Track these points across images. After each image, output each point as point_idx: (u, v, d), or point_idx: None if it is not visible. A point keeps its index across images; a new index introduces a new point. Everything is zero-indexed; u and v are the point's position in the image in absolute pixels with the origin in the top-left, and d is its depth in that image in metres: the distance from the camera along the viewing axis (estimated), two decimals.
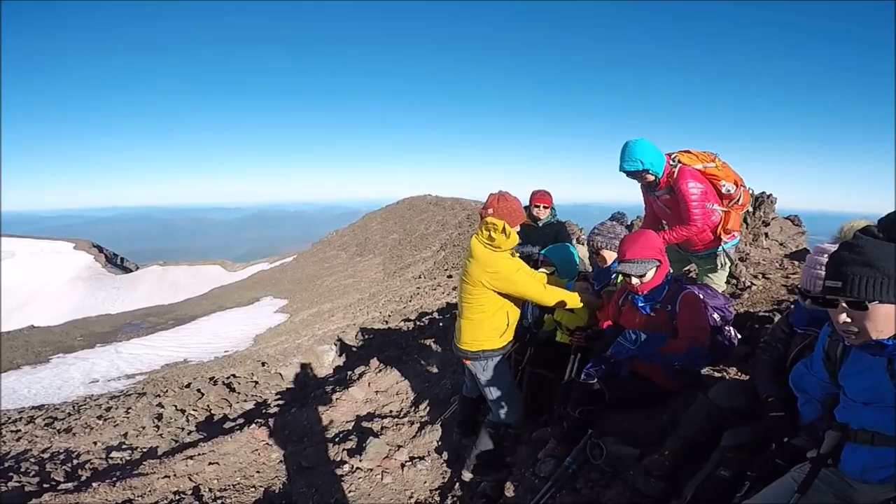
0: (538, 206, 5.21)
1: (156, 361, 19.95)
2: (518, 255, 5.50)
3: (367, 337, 11.93)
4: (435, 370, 6.30)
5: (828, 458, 1.81)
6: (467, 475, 3.82)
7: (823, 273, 2.13)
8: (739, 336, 3.60)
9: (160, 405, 9.37)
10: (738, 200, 3.88)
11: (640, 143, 3.73)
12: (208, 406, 8.98)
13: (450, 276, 18.94)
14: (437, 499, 4.01)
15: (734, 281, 6.23)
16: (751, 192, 4.01)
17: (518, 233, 5.46)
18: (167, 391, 10.55)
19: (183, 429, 7.86)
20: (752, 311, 4.61)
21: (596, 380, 3.10)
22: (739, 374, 3.43)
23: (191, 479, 4.83)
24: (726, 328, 3.36)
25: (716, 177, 3.79)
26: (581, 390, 3.14)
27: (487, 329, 3.41)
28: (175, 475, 4.90)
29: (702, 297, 3.17)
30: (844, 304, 1.57)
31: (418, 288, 19.09)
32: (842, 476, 1.81)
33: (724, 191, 3.82)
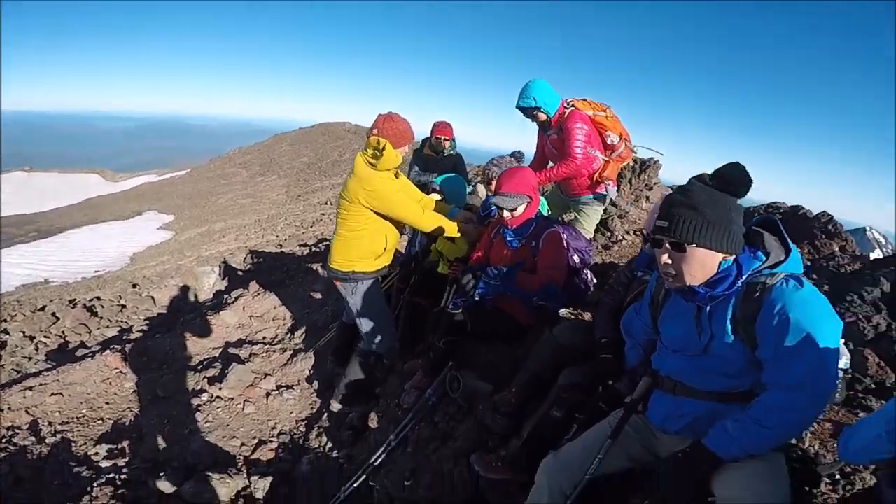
0: (439, 139, 5.20)
1: (9, 281, 17.32)
2: (414, 181, 5.36)
3: (256, 261, 11.19)
4: (318, 296, 6.04)
5: (638, 405, 1.84)
6: (336, 405, 3.72)
7: None
8: (595, 281, 3.68)
9: (4, 331, 8.10)
10: (620, 153, 3.99)
11: (538, 82, 3.81)
12: (63, 332, 7.92)
13: None
14: (303, 430, 3.90)
15: (609, 234, 6.58)
16: (634, 150, 4.15)
17: (417, 161, 5.38)
18: (15, 315, 9.23)
19: (30, 358, 6.97)
20: (618, 262, 4.82)
21: (461, 310, 3.09)
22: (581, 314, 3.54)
23: (28, 413, 4.33)
24: (584, 271, 3.42)
25: (603, 126, 3.91)
26: (448, 320, 3.12)
27: (362, 249, 3.29)
28: (10, 408, 4.36)
29: (565, 237, 3.19)
30: (668, 245, 1.59)
31: (322, 214, 18.33)
32: (647, 424, 1.84)
33: (608, 141, 3.93)
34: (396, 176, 3.32)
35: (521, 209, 3.07)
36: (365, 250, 3.29)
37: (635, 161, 8.63)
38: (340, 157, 30.40)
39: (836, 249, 5.82)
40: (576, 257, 3.19)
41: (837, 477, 1.87)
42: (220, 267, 10.35)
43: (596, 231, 5.41)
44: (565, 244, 3.10)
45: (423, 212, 3.29)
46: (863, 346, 3.02)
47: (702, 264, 1.57)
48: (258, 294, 6.26)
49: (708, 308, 1.66)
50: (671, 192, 1.67)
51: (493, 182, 3.66)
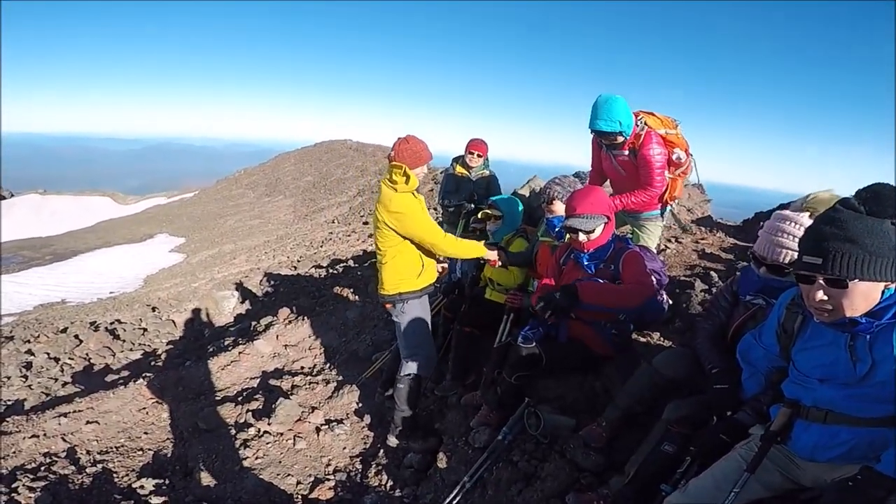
0: (472, 154, 5.11)
1: (28, 301, 17.49)
2: (443, 204, 5.32)
3: (273, 283, 11.12)
4: (353, 324, 5.89)
5: (778, 436, 1.77)
6: (393, 440, 3.60)
7: (786, 241, 2.09)
8: (671, 302, 3.62)
9: (29, 352, 8.14)
10: (683, 169, 3.84)
11: (619, 102, 3.41)
12: (87, 355, 7.95)
13: (366, 223, 18.28)
14: (359, 466, 3.74)
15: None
16: (693, 162, 3.94)
17: (448, 182, 5.30)
18: (39, 336, 9.19)
19: (56, 380, 6.92)
20: (669, 274, 4.59)
21: (534, 343, 2.95)
22: (662, 339, 3.39)
23: (65, 440, 4.21)
24: (660, 293, 3.34)
25: (672, 143, 3.68)
26: (517, 355, 2.98)
27: (402, 271, 3.37)
28: (45, 434, 4.25)
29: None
30: (822, 282, 1.50)
31: (331, 233, 18.28)
32: (788, 453, 1.79)
33: (674, 158, 3.71)
34: (414, 195, 3.37)
35: (598, 231, 2.95)
36: (405, 271, 3.36)
37: None
38: (344, 175, 30.41)
39: None
40: (652, 279, 3.06)
41: None
42: (238, 290, 10.28)
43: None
44: (644, 260, 2.98)
45: (445, 235, 3.37)
46: None
47: (865, 297, 1.49)
48: (290, 322, 6.14)
49: (868, 336, 1.56)
50: (815, 221, 1.57)
51: (555, 202, 3.58)
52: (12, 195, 45.92)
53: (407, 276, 3.37)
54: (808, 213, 2.09)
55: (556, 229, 3.53)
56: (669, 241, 6.79)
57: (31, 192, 45.74)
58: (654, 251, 3.89)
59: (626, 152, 3.65)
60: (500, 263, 3.62)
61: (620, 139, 3.53)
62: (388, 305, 3.50)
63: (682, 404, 2.30)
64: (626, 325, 3.15)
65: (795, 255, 2.04)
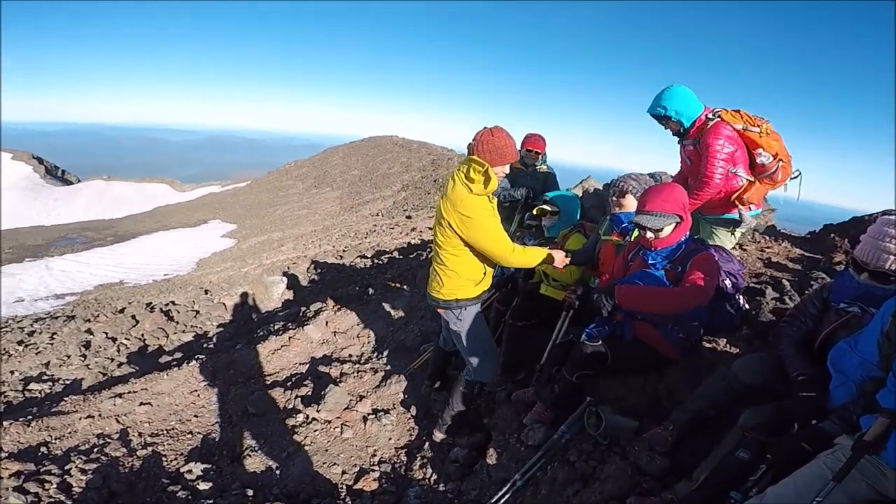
0: (530, 151, 4.97)
1: (89, 281, 18.57)
2: (500, 197, 5.06)
3: (319, 271, 11.31)
4: (401, 314, 5.86)
5: (871, 446, 1.69)
6: (439, 435, 3.52)
7: (893, 247, 2.01)
8: (747, 306, 3.37)
9: (89, 331, 8.49)
10: (771, 174, 3.43)
11: (675, 89, 3.46)
12: (142, 335, 8.22)
13: (409, 217, 18.36)
14: (404, 458, 3.68)
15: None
16: (795, 174, 3.55)
17: (506, 177, 4.95)
18: (98, 316, 9.61)
19: (113, 359, 7.20)
20: None
21: (600, 342, 2.82)
22: (729, 346, 3.18)
23: (118, 421, 4.28)
24: (736, 296, 3.14)
25: (754, 143, 3.38)
26: (581, 352, 2.85)
27: (461, 277, 3.10)
28: (101, 415, 4.33)
29: (716, 258, 2.87)
30: None
31: (375, 225, 18.49)
32: (878, 464, 1.71)
33: (758, 160, 3.40)
34: (490, 199, 3.05)
35: (667, 230, 2.78)
36: (465, 278, 3.11)
37: None
38: (389, 170, 30.79)
39: None
40: (727, 281, 2.91)
41: None
42: (286, 276, 10.47)
43: None
44: (717, 267, 2.79)
45: (514, 248, 3.04)
46: None
47: None
48: (339, 309, 6.16)
49: None
50: None
51: (627, 196, 3.42)
52: (79, 181, 48.77)
53: (466, 282, 3.12)
54: None
55: (622, 226, 3.37)
56: (734, 248, 6.42)
57: (96, 178, 48.45)
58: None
59: (691, 142, 3.55)
60: (566, 263, 3.35)
61: (675, 126, 3.54)
62: (440, 310, 3.28)
63: (761, 411, 2.19)
64: (696, 330, 2.97)
65: None
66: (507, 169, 3.01)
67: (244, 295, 9.89)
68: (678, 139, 3.68)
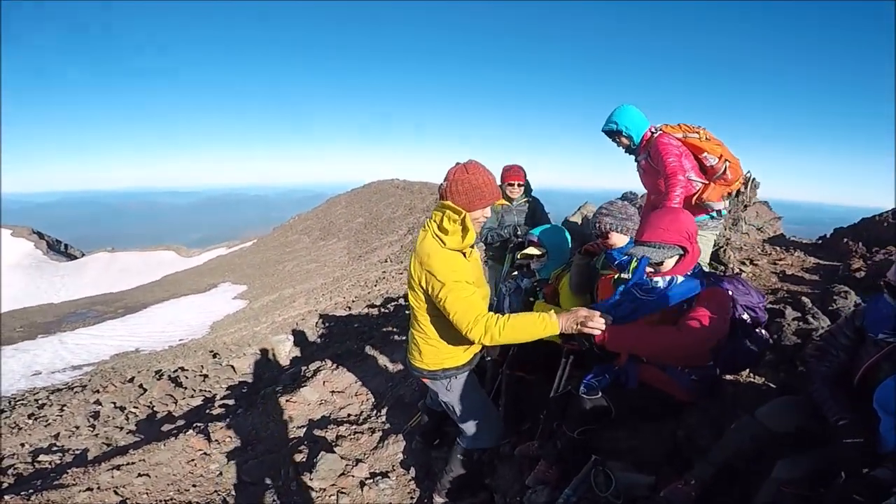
0: (511, 185, 4.71)
1: (104, 351, 18.70)
2: (487, 237, 4.84)
3: (327, 325, 11.24)
4: (400, 367, 5.67)
5: None
6: (439, 500, 3.19)
7: None
8: (771, 341, 3.08)
9: (97, 402, 8.60)
10: (721, 175, 3.65)
11: (624, 107, 3.79)
12: (151, 403, 8.25)
13: None
14: None
15: (722, 268, 5.87)
16: (747, 174, 3.97)
17: (489, 217, 4.82)
18: (107, 386, 9.69)
19: (122, 428, 7.15)
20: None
21: (600, 393, 2.52)
22: (753, 376, 2.97)
23: (116, 493, 4.16)
24: (758, 330, 2.76)
25: (698, 148, 3.64)
26: (580, 407, 2.54)
27: (447, 343, 2.66)
28: (99, 487, 4.23)
29: (730, 291, 2.54)
30: None
31: (384, 272, 18.54)
32: None
33: (706, 163, 3.66)
34: (465, 254, 2.57)
35: (669, 263, 2.46)
36: (450, 345, 2.67)
37: None
38: (393, 215, 31.17)
39: None
40: (746, 315, 2.58)
41: None
42: (293, 335, 10.45)
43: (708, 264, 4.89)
44: (731, 304, 2.46)
45: (484, 318, 2.32)
46: None
47: None
48: (336, 367, 6.00)
49: None
50: None
51: (611, 235, 3.16)
52: (83, 254, 49.66)
53: (453, 351, 2.69)
54: None
55: (617, 262, 3.10)
56: (744, 263, 6.31)
57: (100, 250, 49.34)
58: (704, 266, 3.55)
59: (643, 157, 3.82)
60: (605, 325, 2.27)
61: (626, 141, 3.83)
62: (426, 381, 2.84)
63: (799, 462, 1.95)
64: (711, 371, 2.66)
65: None
66: (488, 212, 2.55)
67: (253, 355, 9.85)
68: (631, 155, 3.96)
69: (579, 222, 8.34)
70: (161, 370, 10.34)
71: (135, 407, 8.09)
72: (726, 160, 3.61)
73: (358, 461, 4.06)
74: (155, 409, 7.96)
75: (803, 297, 4.16)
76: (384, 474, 3.86)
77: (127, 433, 6.88)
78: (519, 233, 4.65)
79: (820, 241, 8.11)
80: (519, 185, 4.73)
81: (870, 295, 3.47)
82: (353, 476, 3.88)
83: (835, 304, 4.13)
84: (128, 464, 4.57)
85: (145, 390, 8.76)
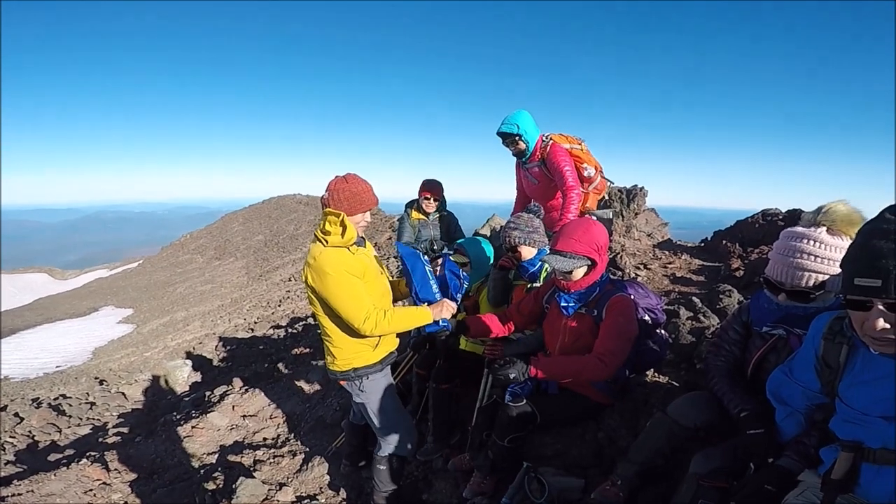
0: (427, 199, 4.84)
1: None
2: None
3: (228, 348, 10.66)
4: (317, 387, 5.53)
5: (842, 484, 1.53)
6: None
7: (808, 263, 1.85)
8: (671, 340, 3.34)
9: None
10: (595, 185, 4.17)
11: (521, 112, 3.95)
12: (30, 432, 7.41)
13: None
14: None
15: (619, 273, 6.36)
16: (611, 182, 4.37)
17: (406, 229, 4.90)
18: None
19: None
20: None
21: (524, 400, 2.64)
22: (658, 375, 3.22)
23: None
24: (658, 331, 2.97)
25: (579, 159, 4.02)
26: (508, 415, 2.63)
27: (352, 342, 2.77)
28: None
29: (632, 296, 2.75)
30: (882, 307, 1.26)
31: (288, 291, 17.96)
32: (855, 500, 1.54)
33: (585, 173, 4.05)
34: (352, 251, 2.73)
35: (578, 273, 2.60)
36: (356, 343, 2.78)
37: (621, 191, 8.83)
38: (296, 231, 29.99)
39: None
40: (647, 317, 2.76)
41: None
42: (191, 359, 10.00)
43: None
44: (634, 308, 2.65)
45: (374, 312, 2.62)
46: None
47: None
48: (246, 391, 5.71)
49: None
50: (863, 236, 1.33)
51: (521, 248, 3.30)
52: None
53: (361, 348, 2.79)
54: (824, 229, 1.88)
55: (528, 273, 3.28)
56: (639, 268, 6.74)
57: None
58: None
59: (536, 163, 4.05)
60: (452, 310, 2.90)
61: (522, 145, 3.99)
62: (342, 382, 2.93)
63: (712, 455, 2.03)
64: (622, 372, 2.84)
65: (821, 277, 1.86)
66: (368, 217, 2.76)
67: (146, 382, 9.23)
68: (520, 159, 4.18)
69: (488, 234, 8.57)
70: (39, 398, 9.39)
71: (11, 437, 7.14)
72: (600, 171, 4.12)
73: (281, 485, 3.88)
74: (36, 438, 7.08)
75: (693, 298, 4.52)
76: (312, 497, 3.74)
77: (6, 464, 6.26)
78: (435, 247, 4.78)
79: (702, 244, 8.85)
80: (434, 200, 4.83)
81: (750, 292, 3.91)
82: (277, 501, 3.72)
83: (721, 302, 4.44)
84: (13, 495, 4.12)
85: (22, 419, 7.74)
